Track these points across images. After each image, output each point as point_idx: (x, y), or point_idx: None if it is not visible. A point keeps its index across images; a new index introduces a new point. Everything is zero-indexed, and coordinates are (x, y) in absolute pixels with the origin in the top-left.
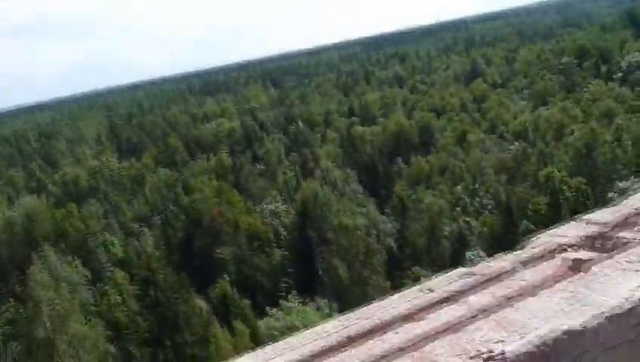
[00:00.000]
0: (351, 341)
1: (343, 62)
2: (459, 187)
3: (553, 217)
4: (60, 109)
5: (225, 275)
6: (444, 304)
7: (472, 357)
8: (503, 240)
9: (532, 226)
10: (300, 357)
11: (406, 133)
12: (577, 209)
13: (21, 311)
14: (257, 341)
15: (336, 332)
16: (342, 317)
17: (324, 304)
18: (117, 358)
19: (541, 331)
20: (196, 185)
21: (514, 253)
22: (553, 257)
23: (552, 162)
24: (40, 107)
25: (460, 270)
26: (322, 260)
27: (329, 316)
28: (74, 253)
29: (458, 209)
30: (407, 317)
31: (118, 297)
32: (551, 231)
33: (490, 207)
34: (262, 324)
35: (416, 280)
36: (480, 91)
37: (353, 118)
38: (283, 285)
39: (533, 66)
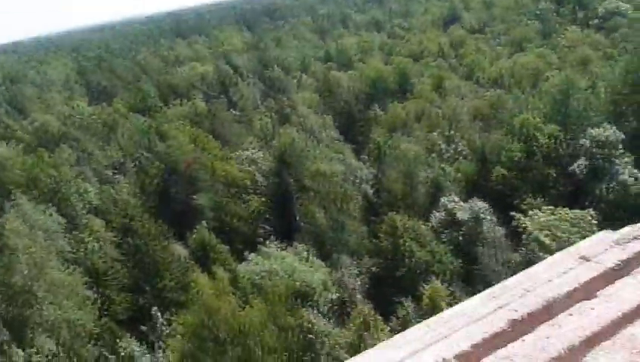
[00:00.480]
0: (516, 325)
1: (320, 5)
2: (435, 133)
3: (527, 163)
4: (22, 52)
5: (203, 222)
6: (614, 277)
7: None
8: (477, 186)
9: (505, 172)
10: (467, 349)
11: (383, 78)
12: (550, 155)
13: None
14: (237, 286)
15: (493, 314)
16: (487, 293)
17: (302, 249)
18: (96, 304)
19: None
20: (170, 132)
21: None
22: None
23: (527, 109)
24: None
25: (604, 234)
26: (300, 206)
27: (307, 261)
28: (47, 201)
29: (434, 155)
30: (573, 294)
31: (95, 244)
32: None
33: (465, 153)
34: (241, 269)
35: (393, 226)
36: (458, 37)
37: (330, 62)
38: (261, 231)
39: (511, 12)
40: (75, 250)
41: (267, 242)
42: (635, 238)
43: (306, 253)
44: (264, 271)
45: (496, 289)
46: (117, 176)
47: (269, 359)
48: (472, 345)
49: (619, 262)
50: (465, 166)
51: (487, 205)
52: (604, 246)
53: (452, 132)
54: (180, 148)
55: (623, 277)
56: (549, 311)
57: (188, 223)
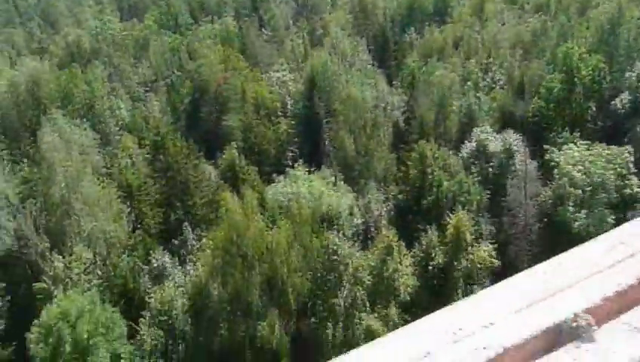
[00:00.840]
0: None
1: None
2: (472, 61)
3: (566, 96)
4: None
5: (232, 143)
6: None
7: None
8: (512, 117)
9: (542, 104)
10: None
11: (421, 1)
12: (592, 88)
13: (35, 171)
14: (265, 207)
15: (622, 263)
16: (610, 239)
17: (329, 174)
18: (130, 217)
19: None
20: (201, 51)
21: None
22: None
23: (571, 38)
24: None
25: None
26: (329, 131)
27: (334, 185)
28: (82, 117)
29: (469, 83)
30: None
31: (128, 161)
32: None
33: (502, 82)
34: (269, 191)
35: (422, 155)
36: None
37: None
38: (289, 154)
39: None
40: (108, 166)
41: (295, 165)
42: None
43: (333, 178)
44: (291, 193)
45: (624, 233)
46: (148, 94)
47: (294, 277)
48: (603, 298)
49: None
50: (501, 96)
51: (520, 137)
52: None
53: (490, 59)
54: (210, 67)
55: None
56: None
57: (217, 144)
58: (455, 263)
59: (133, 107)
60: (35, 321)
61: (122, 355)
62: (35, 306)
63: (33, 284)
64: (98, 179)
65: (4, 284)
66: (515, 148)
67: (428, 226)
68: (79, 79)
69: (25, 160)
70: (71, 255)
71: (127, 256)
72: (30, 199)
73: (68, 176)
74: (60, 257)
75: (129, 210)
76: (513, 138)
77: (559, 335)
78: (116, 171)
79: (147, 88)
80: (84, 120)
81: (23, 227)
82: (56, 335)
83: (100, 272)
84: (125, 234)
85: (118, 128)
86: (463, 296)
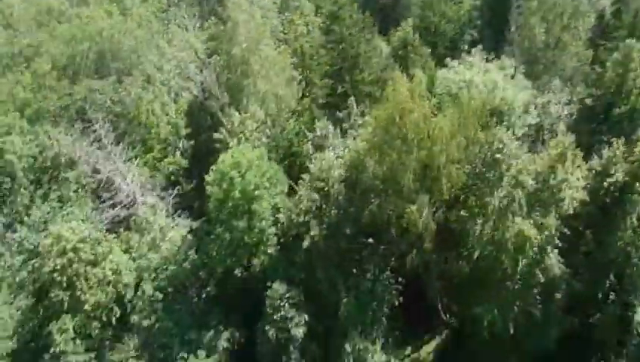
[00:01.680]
0: None
1: None
2: None
3: None
4: None
5: (409, 19)
6: None
7: None
8: None
9: None
10: None
11: None
12: None
13: (222, 29)
14: (434, 91)
15: None
16: None
17: (509, 64)
18: (301, 84)
19: None
20: None
21: None
22: None
23: None
24: None
25: None
26: (518, 16)
27: (512, 78)
28: None
29: None
30: None
31: (304, 27)
32: None
33: None
34: (441, 75)
35: (628, 55)
36: None
37: None
38: (468, 38)
39: None
40: (286, 31)
41: (473, 50)
42: None
43: (513, 69)
44: (464, 81)
45: None
46: None
47: (451, 167)
48: None
49: None
50: None
51: None
52: None
53: None
54: None
55: None
56: None
57: (393, 19)
58: (637, 185)
59: None
60: (213, 166)
61: (281, 209)
62: (214, 152)
63: (213, 133)
64: (275, 43)
65: (189, 130)
66: None
67: (614, 139)
68: None
69: (213, 17)
70: (246, 112)
71: (295, 120)
72: (215, 55)
73: (249, 37)
74: (237, 113)
75: (300, 77)
76: None
77: None
78: (292, 37)
79: None
80: None
81: (208, 80)
82: (228, 181)
83: (269, 132)
84: (295, 100)
85: None
86: (631, 225)
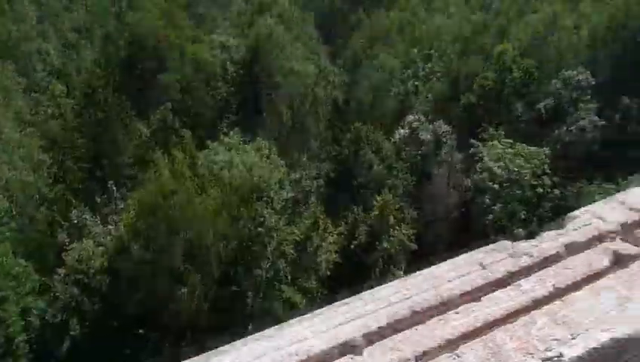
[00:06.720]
0: (415, 315)
1: None
2: (415, 50)
3: (497, 95)
4: None
5: (167, 103)
6: (498, 287)
7: (529, 353)
8: (445, 108)
9: (474, 100)
10: (370, 330)
11: None
12: (521, 90)
13: None
14: (195, 172)
15: (400, 303)
16: (401, 283)
17: (264, 145)
18: (52, 169)
19: (593, 336)
20: (142, 3)
21: (556, 231)
22: (595, 245)
23: (507, 39)
24: None
25: (503, 244)
26: (268, 103)
27: (267, 158)
28: (6, 57)
29: (409, 71)
30: (465, 296)
31: (55, 110)
32: (590, 209)
33: (439, 74)
34: (201, 156)
35: (358, 136)
36: None
37: None
38: (225, 121)
39: None
40: (33, 112)
41: (231, 133)
42: (525, 254)
43: (267, 150)
44: (224, 161)
45: (407, 282)
46: (82, 42)
47: (219, 245)
48: (378, 327)
49: (507, 273)
50: (437, 87)
51: (450, 129)
52: (501, 257)
53: (432, 51)
54: (150, 21)
55: (507, 286)
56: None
57: (152, 102)
58: (377, 244)
59: (65, 53)
60: None
61: (33, 310)
62: None
63: None
64: (19, 125)
65: None
66: (443, 139)
67: (354, 206)
68: (6, 17)
69: None
70: None
71: (46, 209)
72: None
73: None
74: None
75: (51, 161)
76: (444, 128)
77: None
78: (41, 119)
79: (80, 35)
80: (10, 61)
81: None
82: None
83: (14, 224)
84: (45, 187)
85: (46, 74)
86: (381, 276)
